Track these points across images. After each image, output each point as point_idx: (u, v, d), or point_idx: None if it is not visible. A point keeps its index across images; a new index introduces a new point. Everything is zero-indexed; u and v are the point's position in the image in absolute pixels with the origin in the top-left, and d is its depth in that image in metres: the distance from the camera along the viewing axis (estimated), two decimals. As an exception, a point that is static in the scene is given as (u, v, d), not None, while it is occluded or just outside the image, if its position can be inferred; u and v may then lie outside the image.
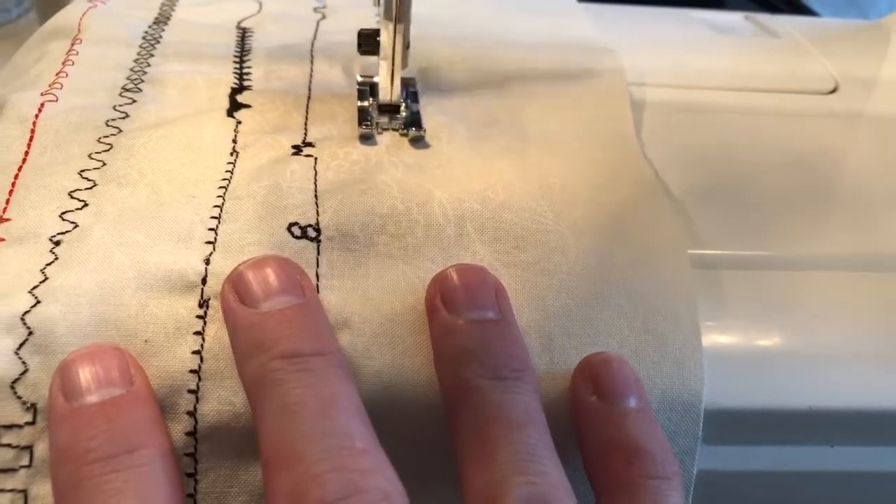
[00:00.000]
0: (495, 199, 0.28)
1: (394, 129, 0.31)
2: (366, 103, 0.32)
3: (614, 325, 0.26)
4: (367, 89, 0.33)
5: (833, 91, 0.40)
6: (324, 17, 0.40)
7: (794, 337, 0.28)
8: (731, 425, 0.26)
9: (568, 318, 0.26)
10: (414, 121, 0.32)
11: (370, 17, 0.40)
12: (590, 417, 0.24)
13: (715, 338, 0.28)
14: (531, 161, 0.31)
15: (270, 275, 0.23)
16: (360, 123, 0.31)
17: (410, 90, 0.33)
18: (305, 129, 0.32)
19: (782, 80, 0.40)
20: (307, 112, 0.32)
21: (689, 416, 0.25)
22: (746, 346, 0.28)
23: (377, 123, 0.31)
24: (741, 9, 0.55)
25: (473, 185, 0.29)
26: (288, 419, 0.21)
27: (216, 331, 0.24)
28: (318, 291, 0.25)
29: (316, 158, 0.30)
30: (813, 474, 0.28)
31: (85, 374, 0.21)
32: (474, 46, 0.38)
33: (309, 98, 0.33)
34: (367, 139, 0.31)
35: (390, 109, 0.32)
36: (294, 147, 0.30)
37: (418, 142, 0.31)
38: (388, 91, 0.32)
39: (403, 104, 0.32)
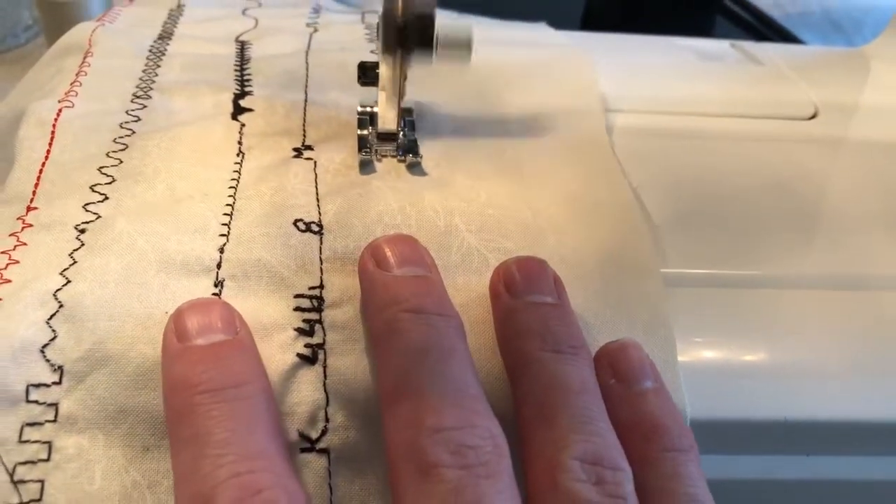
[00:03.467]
0: (478, 199, 0.31)
1: (392, 156, 0.33)
2: (365, 132, 0.34)
3: (590, 301, 0.28)
4: (367, 118, 0.34)
5: (813, 117, 0.42)
6: (316, 30, 0.43)
7: (771, 352, 0.30)
8: (711, 435, 0.28)
9: None
10: (411, 148, 0.33)
11: (359, 31, 0.43)
12: (609, 399, 0.25)
13: (697, 352, 0.29)
14: (514, 175, 0.33)
15: (404, 247, 0.27)
16: (359, 150, 0.33)
17: (408, 119, 0.35)
18: (304, 131, 0.34)
19: (764, 106, 0.42)
20: (305, 115, 0.35)
21: (668, 376, 0.27)
22: (727, 360, 0.30)
23: (376, 150, 0.33)
24: (728, 36, 0.57)
25: (459, 190, 0.31)
26: (411, 360, 0.23)
27: (232, 303, 0.26)
28: (321, 274, 0.28)
29: (315, 162, 0.32)
30: (789, 483, 0.30)
31: (196, 321, 0.24)
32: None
33: (306, 101, 0.36)
34: (366, 166, 0.32)
35: (389, 138, 0.33)
36: (295, 149, 0.33)
37: (415, 167, 0.33)
38: (387, 120, 0.33)
39: (401, 132, 0.34)
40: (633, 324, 0.28)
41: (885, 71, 0.47)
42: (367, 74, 0.33)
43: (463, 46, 0.31)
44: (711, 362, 0.30)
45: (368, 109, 0.34)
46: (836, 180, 0.38)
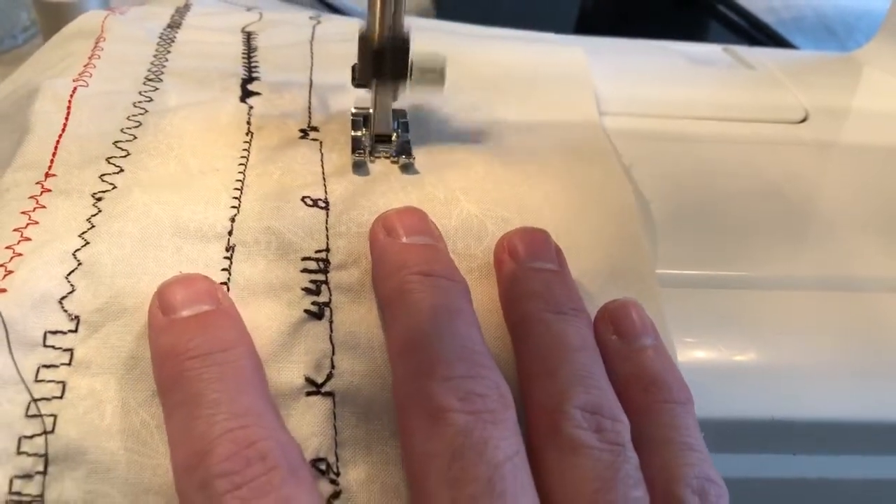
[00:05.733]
0: (476, 175, 0.32)
1: (385, 157, 0.33)
2: (359, 133, 0.34)
3: (583, 270, 0.30)
4: (361, 120, 0.35)
5: (803, 121, 0.42)
6: (319, 22, 0.44)
7: (759, 352, 0.30)
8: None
9: None
10: (404, 149, 0.34)
11: (361, 24, 0.43)
12: (610, 354, 0.27)
13: (686, 352, 0.30)
14: (509, 165, 0.34)
15: (413, 218, 0.28)
16: (353, 152, 0.33)
17: (401, 120, 0.35)
18: (309, 113, 0.35)
19: (755, 110, 0.42)
20: (310, 98, 0.36)
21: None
22: (715, 360, 0.30)
23: (370, 152, 0.33)
24: (722, 41, 0.57)
25: (457, 173, 0.33)
26: (421, 319, 0.24)
27: (241, 268, 0.28)
28: (328, 240, 0.29)
29: (321, 142, 0.33)
30: (775, 481, 0.30)
31: (179, 294, 0.25)
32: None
33: (311, 86, 0.37)
34: (359, 167, 0.33)
35: (382, 139, 0.34)
36: (301, 130, 0.34)
37: (408, 168, 0.33)
38: (381, 122, 0.33)
39: (395, 134, 0.34)
40: (624, 293, 0.29)
41: (874, 76, 0.47)
42: (359, 77, 0.33)
43: (437, 75, 0.32)
44: (700, 362, 0.30)
45: (363, 111, 0.35)
46: (825, 183, 0.38)
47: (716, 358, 0.30)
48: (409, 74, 0.32)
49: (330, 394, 0.26)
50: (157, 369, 0.24)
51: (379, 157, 0.33)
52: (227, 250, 0.28)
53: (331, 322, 0.27)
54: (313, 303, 0.27)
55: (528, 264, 0.28)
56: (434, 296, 0.25)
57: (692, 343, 0.30)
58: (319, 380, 0.26)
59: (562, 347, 0.25)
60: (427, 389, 0.23)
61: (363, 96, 0.35)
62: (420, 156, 0.34)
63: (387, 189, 0.31)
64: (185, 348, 0.23)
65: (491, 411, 0.22)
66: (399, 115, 0.35)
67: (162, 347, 0.24)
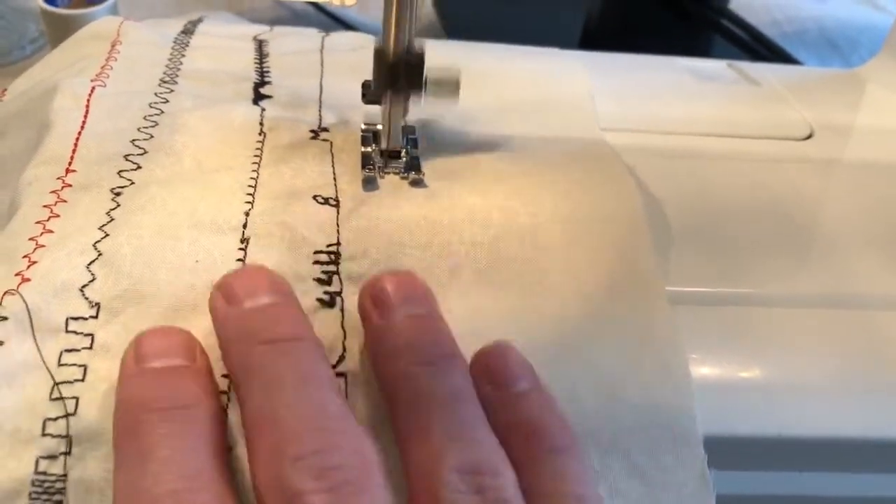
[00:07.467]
0: (481, 172, 0.34)
1: (395, 173, 0.34)
2: (369, 149, 0.34)
3: (588, 263, 0.31)
4: (371, 136, 0.35)
5: (808, 137, 0.42)
6: (328, 35, 0.45)
7: (766, 369, 0.30)
8: (706, 451, 0.28)
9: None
10: (413, 165, 0.34)
11: (368, 39, 0.45)
12: (488, 404, 0.25)
13: (691, 368, 0.30)
14: (515, 179, 0.35)
15: (252, 279, 0.26)
16: (363, 168, 0.33)
17: (410, 137, 0.35)
18: (320, 115, 0.37)
19: (759, 127, 0.42)
20: (320, 101, 0.38)
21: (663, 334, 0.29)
22: (721, 376, 0.30)
23: (379, 167, 0.34)
24: (726, 56, 0.57)
25: (463, 170, 0.34)
26: (269, 392, 0.23)
27: (255, 258, 0.29)
28: (338, 234, 0.30)
29: (331, 143, 0.35)
30: (782, 499, 0.30)
31: (155, 344, 0.25)
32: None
33: (321, 90, 0.38)
34: (369, 183, 0.33)
35: (392, 155, 0.34)
36: (312, 131, 0.36)
37: (418, 184, 0.33)
38: (391, 138, 0.34)
39: (404, 150, 0.34)
40: (627, 284, 0.30)
41: (879, 93, 0.48)
42: (371, 93, 0.33)
43: (451, 87, 0.33)
44: (705, 379, 0.30)
45: (372, 127, 0.35)
46: (830, 200, 0.38)
47: (721, 375, 0.30)
48: (423, 87, 0.32)
49: (342, 374, 0.27)
50: (116, 416, 0.23)
51: (389, 174, 0.34)
52: (242, 242, 0.29)
53: (342, 310, 0.28)
54: (325, 292, 0.28)
55: (392, 315, 0.26)
56: (280, 365, 0.24)
57: (697, 360, 0.30)
58: (333, 361, 0.27)
59: (433, 403, 0.24)
60: (280, 475, 0.21)
61: (373, 111, 0.35)
62: (426, 163, 0.34)
63: (394, 189, 0.33)
64: (146, 399, 0.23)
65: (351, 482, 0.21)
66: (408, 131, 0.35)
67: (126, 395, 0.24)
